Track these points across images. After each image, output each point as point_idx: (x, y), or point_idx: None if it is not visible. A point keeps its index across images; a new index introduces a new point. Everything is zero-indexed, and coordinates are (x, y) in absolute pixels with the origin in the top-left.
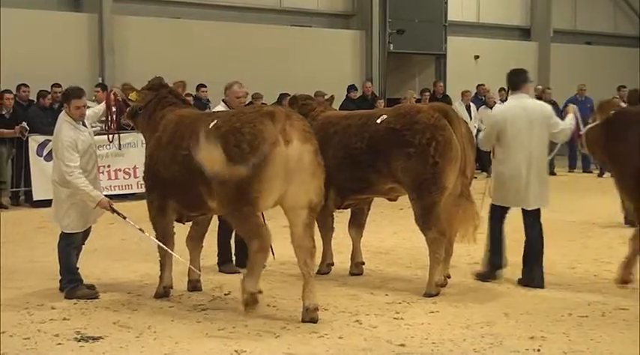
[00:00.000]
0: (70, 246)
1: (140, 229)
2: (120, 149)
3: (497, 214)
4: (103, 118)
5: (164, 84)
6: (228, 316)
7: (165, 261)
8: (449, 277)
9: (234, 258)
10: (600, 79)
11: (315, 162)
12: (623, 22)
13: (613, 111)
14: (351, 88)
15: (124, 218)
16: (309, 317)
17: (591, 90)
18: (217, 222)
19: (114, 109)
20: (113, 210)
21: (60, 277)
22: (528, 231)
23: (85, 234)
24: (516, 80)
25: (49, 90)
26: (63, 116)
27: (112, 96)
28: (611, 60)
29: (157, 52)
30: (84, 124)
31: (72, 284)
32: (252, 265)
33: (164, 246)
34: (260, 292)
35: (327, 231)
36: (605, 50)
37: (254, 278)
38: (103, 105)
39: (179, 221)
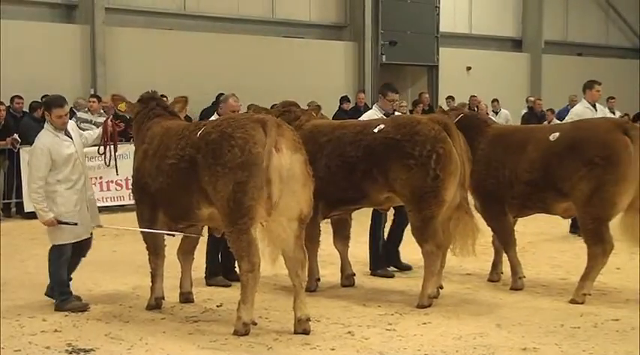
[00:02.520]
0: (60, 258)
1: (141, 231)
2: (117, 171)
3: None
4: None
5: (155, 97)
6: (220, 328)
7: (156, 271)
8: (441, 288)
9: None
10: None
11: (305, 172)
12: (615, 34)
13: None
14: (344, 99)
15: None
16: (302, 328)
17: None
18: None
19: (109, 134)
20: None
21: (50, 289)
22: None
23: (85, 246)
24: None
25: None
26: (45, 125)
27: (109, 123)
28: (601, 71)
29: (149, 63)
30: (67, 134)
31: (62, 297)
32: (245, 288)
33: (162, 231)
34: (254, 323)
35: (313, 243)
36: (596, 61)
37: (249, 305)
38: (100, 130)
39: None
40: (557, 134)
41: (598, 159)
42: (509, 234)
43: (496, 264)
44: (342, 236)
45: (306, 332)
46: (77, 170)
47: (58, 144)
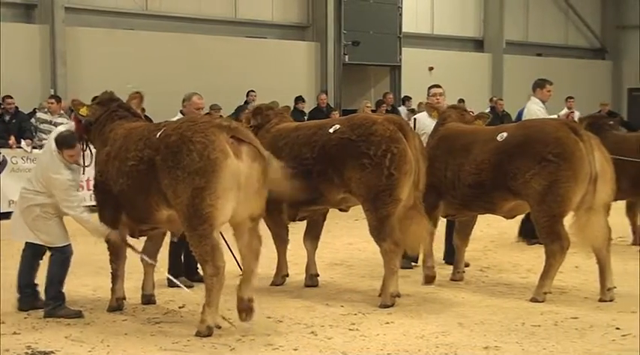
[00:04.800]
0: (66, 261)
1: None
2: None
3: None
4: None
5: (114, 98)
6: (182, 329)
7: (117, 272)
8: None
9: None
10: None
11: (263, 178)
12: (574, 34)
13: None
14: (299, 99)
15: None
16: (244, 306)
17: None
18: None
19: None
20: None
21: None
22: None
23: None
24: None
25: (1, 101)
26: (57, 154)
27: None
28: (561, 71)
29: (110, 63)
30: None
31: (57, 303)
32: (210, 291)
33: (148, 260)
34: (218, 327)
35: (281, 242)
36: (556, 61)
37: (214, 308)
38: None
39: (132, 236)
40: (504, 134)
41: (551, 156)
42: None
43: (458, 263)
44: (312, 235)
45: (250, 311)
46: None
47: (74, 175)
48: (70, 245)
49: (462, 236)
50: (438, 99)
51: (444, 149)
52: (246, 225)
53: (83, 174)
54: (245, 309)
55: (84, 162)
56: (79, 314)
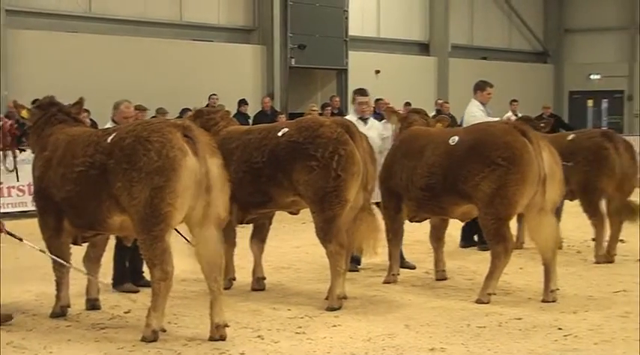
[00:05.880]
0: None
1: (41, 250)
2: (14, 172)
3: None
4: None
5: (54, 102)
6: (127, 334)
7: (61, 279)
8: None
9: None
10: (495, 92)
11: (222, 177)
12: (517, 38)
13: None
14: (242, 102)
15: (21, 240)
16: (219, 334)
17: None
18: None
19: (9, 138)
20: (7, 233)
21: None
22: None
23: None
24: None
25: None
26: None
27: (7, 126)
28: (505, 74)
29: (54, 66)
30: None
31: None
32: (156, 296)
33: (63, 262)
34: (163, 330)
35: (229, 245)
36: (500, 65)
37: (159, 313)
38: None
39: (74, 243)
40: (456, 138)
41: (500, 160)
42: (399, 232)
43: (437, 263)
44: (258, 238)
45: (223, 339)
46: None
47: None
48: None
49: (435, 238)
50: (363, 109)
51: (402, 152)
52: (210, 233)
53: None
54: (218, 338)
55: (15, 166)
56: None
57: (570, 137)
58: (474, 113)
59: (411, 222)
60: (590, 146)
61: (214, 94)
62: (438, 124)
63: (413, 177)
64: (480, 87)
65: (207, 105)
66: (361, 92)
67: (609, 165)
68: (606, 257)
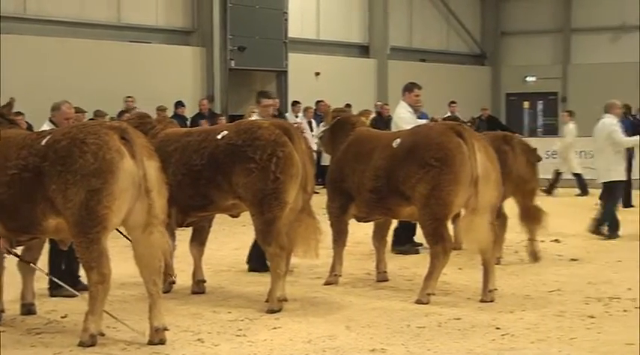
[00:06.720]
0: None
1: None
2: None
3: None
4: None
5: None
6: (64, 340)
7: None
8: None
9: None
10: (434, 94)
11: (160, 179)
12: (455, 40)
13: (337, 118)
14: (179, 104)
15: None
16: (159, 338)
17: (426, 106)
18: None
19: None
20: None
21: None
22: None
23: None
24: None
25: None
26: None
27: None
28: (443, 76)
29: None
30: None
31: None
32: (94, 299)
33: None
34: (102, 334)
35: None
36: (439, 67)
37: (97, 316)
38: None
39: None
40: (398, 140)
41: (433, 161)
42: (343, 233)
43: (379, 263)
44: (198, 241)
45: (163, 342)
46: None
47: None
48: None
49: (378, 237)
50: (268, 111)
51: (352, 154)
52: (148, 237)
53: None
54: (158, 342)
55: None
56: None
57: None
58: (402, 115)
59: (359, 222)
60: None
61: (130, 97)
62: (362, 118)
63: (363, 179)
64: (408, 88)
65: (124, 109)
66: (265, 94)
67: (506, 168)
68: (497, 259)
